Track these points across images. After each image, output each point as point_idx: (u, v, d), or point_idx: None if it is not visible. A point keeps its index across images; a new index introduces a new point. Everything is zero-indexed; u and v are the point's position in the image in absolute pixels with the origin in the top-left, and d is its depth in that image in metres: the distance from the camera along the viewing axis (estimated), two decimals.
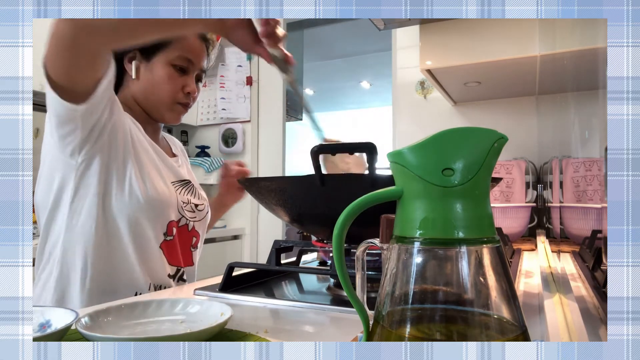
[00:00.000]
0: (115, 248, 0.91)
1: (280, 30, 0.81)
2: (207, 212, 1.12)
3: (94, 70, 0.80)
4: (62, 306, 0.78)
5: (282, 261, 0.89)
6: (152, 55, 1.00)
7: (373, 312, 0.35)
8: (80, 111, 0.80)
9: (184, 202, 1.02)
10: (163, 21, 0.74)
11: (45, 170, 0.91)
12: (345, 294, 0.45)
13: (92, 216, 0.88)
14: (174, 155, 1.13)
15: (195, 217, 1.06)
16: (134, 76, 1.01)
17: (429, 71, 1.65)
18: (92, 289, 0.89)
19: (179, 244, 1.01)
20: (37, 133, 2.18)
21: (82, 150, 0.86)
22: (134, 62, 1.00)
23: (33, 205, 0.93)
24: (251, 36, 0.80)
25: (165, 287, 0.96)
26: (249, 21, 0.80)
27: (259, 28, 0.79)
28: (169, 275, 0.98)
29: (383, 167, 0.75)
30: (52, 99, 0.79)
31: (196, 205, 1.07)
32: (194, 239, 1.06)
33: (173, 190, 1.00)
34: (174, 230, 0.99)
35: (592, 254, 0.65)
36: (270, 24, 0.79)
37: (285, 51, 0.83)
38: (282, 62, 0.84)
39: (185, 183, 1.06)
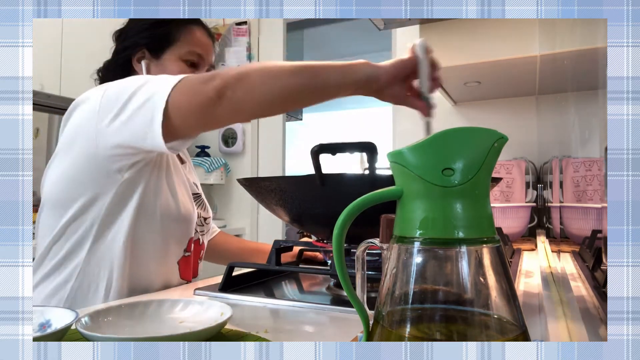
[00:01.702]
0: (140, 264, 0.88)
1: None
2: (211, 225, 1.11)
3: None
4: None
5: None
6: (162, 52, 0.97)
7: (373, 312, 0.35)
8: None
9: (197, 217, 1.01)
10: (318, 91, 0.75)
11: (71, 170, 0.83)
12: (345, 294, 0.45)
13: (122, 232, 0.84)
14: (182, 161, 1.09)
15: (203, 231, 1.05)
16: None
17: None
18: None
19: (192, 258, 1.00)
20: (37, 133, 2.17)
21: (132, 168, 0.82)
22: (143, 62, 0.97)
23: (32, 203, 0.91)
24: (403, 88, 0.80)
25: None
26: (400, 73, 0.78)
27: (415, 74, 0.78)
28: None
29: (383, 167, 0.75)
30: (144, 123, 0.74)
31: (205, 219, 1.05)
32: (202, 252, 1.06)
33: (195, 207, 0.98)
34: (192, 245, 0.98)
35: (592, 254, 0.65)
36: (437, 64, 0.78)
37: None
38: (430, 106, 0.80)
39: (197, 196, 1.04)
